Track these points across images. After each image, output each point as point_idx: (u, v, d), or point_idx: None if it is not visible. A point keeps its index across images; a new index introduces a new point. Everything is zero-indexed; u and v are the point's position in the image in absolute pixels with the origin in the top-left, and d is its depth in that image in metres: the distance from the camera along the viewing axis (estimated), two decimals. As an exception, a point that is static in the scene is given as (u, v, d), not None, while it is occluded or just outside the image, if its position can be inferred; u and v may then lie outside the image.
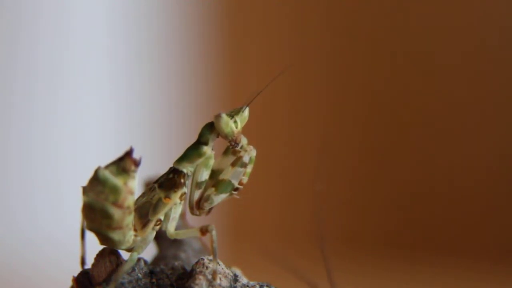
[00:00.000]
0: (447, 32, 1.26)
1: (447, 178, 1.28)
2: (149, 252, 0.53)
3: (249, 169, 0.46)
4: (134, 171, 0.43)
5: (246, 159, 0.46)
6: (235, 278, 0.46)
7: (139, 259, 0.46)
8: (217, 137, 0.46)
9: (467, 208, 1.26)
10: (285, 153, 1.32)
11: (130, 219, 0.43)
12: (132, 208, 0.43)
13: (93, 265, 0.45)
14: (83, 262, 0.51)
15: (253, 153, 0.46)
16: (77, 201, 0.50)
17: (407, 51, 1.29)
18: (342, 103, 1.34)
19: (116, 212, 0.42)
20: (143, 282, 0.45)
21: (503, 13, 1.25)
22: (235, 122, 0.46)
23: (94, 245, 0.49)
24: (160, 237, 0.54)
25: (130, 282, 0.44)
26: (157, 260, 0.51)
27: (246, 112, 0.47)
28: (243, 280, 0.46)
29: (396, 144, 1.31)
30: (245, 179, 0.46)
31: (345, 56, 1.33)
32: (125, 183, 0.42)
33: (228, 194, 0.46)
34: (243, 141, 0.46)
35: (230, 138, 0.46)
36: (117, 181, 0.42)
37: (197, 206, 0.46)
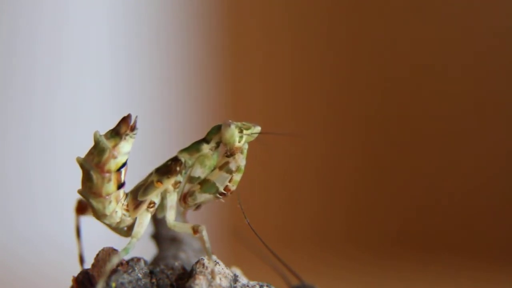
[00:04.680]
0: (450, 33, 1.26)
1: (450, 178, 1.28)
2: (149, 252, 0.53)
3: (236, 177, 0.46)
4: (128, 135, 0.44)
5: (232, 166, 0.45)
6: (235, 278, 0.46)
7: (139, 259, 0.46)
8: (220, 141, 0.46)
9: (470, 207, 1.26)
10: (285, 153, 1.32)
11: (109, 188, 0.44)
12: (112, 176, 0.43)
13: (93, 265, 0.45)
14: (81, 260, 0.51)
15: (241, 162, 0.46)
16: (75, 201, 0.50)
17: (410, 53, 1.29)
18: (344, 105, 1.34)
19: (95, 175, 0.43)
20: (143, 282, 0.45)
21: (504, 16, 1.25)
22: (241, 137, 0.46)
23: (93, 245, 0.49)
24: (160, 237, 0.54)
25: (130, 282, 0.44)
26: (157, 260, 0.51)
27: (256, 133, 0.46)
28: (243, 280, 0.46)
29: (399, 145, 1.31)
30: (232, 187, 0.46)
31: (347, 57, 1.33)
32: (114, 146, 0.43)
33: (213, 196, 0.46)
34: (241, 162, 0.46)
35: (228, 148, 0.46)
36: (107, 143, 0.43)
37: (183, 199, 0.47)
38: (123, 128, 0.44)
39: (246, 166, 0.46)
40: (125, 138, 0.44)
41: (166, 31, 1.33)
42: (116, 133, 0.44)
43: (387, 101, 1.31)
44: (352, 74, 1.33)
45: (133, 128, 0.44)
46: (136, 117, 0.45)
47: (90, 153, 0.44)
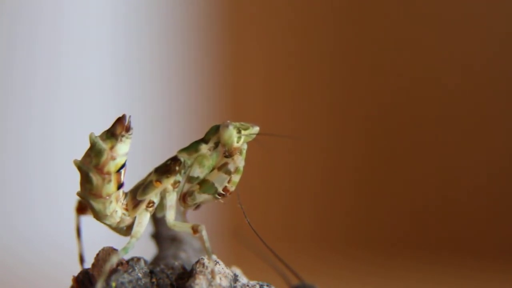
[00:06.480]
0: (452, 35, 1.26)
1: (449, 179, 1.28)
2: (149, 251, 0.52)
3: (235, 178, 0.46)
4: (124, 136, 0.44)
5: (231, 167, 0.45)
6: (235, 278, 0.46)
7: (139, 259, 0.46)
8: (218, 141, 0.46)
9: (470, 208, 1.26)
10: (286, 153, 1.32)
11: (109, 189, 0.44)
12: (112, 177, 0.43)
13: (93, 264, 0.45)
14: (81, 259, 0.51)
15: (240, 164, 0.46)
16: (76, 201, 0.50)
17: (411, 56, 1.29)
18: (345, 105, 1.34)
19: (95, 176, 0.43)
20: (143, 282, 0.45)
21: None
22: (239, 137, 0.45)
23: (93, 244, 0.49)
24: (160, 237, 0.54)
25: (130, 281, 0.44)
26: (157, 260, 0.51)
27: (254, 133, 0.46)
28: (243, 280, 0.46)
29: (399, 145, 1.31)
30: (231, 188, 0.46)
31: (349, 59, 1.33)
32: (111, 148, 0.43)
33: (212, 196, 0.46)
34: (240, 163, 0.46)
35: (227, 148, 0.46)
36: (103, 145, 0.43)
37: (182, 199, 0.47)
38: (118, 129, 0.44)
39: (246, 166, 0.46)
40: (121, 140, 0.44)
41: (167, 31, 1.33)
42: (111, 134, 0.44)
43: (388, 103, 1.31)
44: (353, 75, 1.33)
45: (128, 129, 0.44)
46: (130, 117, 0.45)
47: (87, 155, 0.44)
